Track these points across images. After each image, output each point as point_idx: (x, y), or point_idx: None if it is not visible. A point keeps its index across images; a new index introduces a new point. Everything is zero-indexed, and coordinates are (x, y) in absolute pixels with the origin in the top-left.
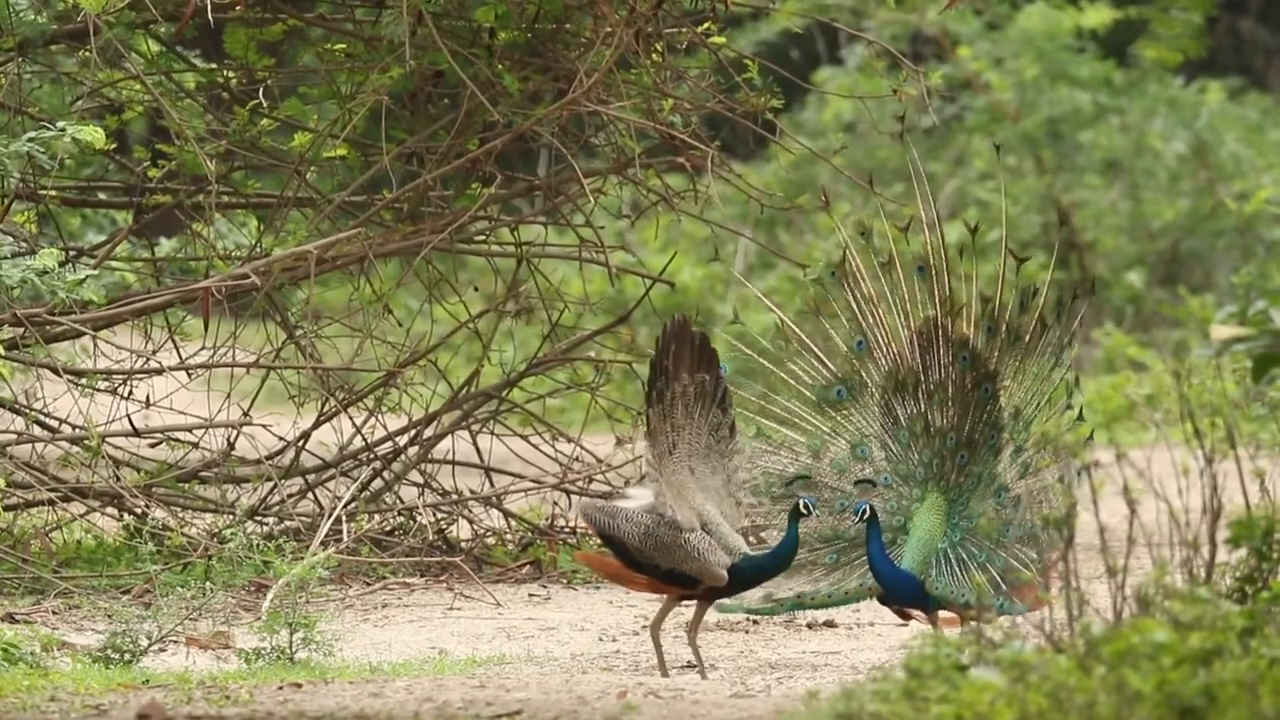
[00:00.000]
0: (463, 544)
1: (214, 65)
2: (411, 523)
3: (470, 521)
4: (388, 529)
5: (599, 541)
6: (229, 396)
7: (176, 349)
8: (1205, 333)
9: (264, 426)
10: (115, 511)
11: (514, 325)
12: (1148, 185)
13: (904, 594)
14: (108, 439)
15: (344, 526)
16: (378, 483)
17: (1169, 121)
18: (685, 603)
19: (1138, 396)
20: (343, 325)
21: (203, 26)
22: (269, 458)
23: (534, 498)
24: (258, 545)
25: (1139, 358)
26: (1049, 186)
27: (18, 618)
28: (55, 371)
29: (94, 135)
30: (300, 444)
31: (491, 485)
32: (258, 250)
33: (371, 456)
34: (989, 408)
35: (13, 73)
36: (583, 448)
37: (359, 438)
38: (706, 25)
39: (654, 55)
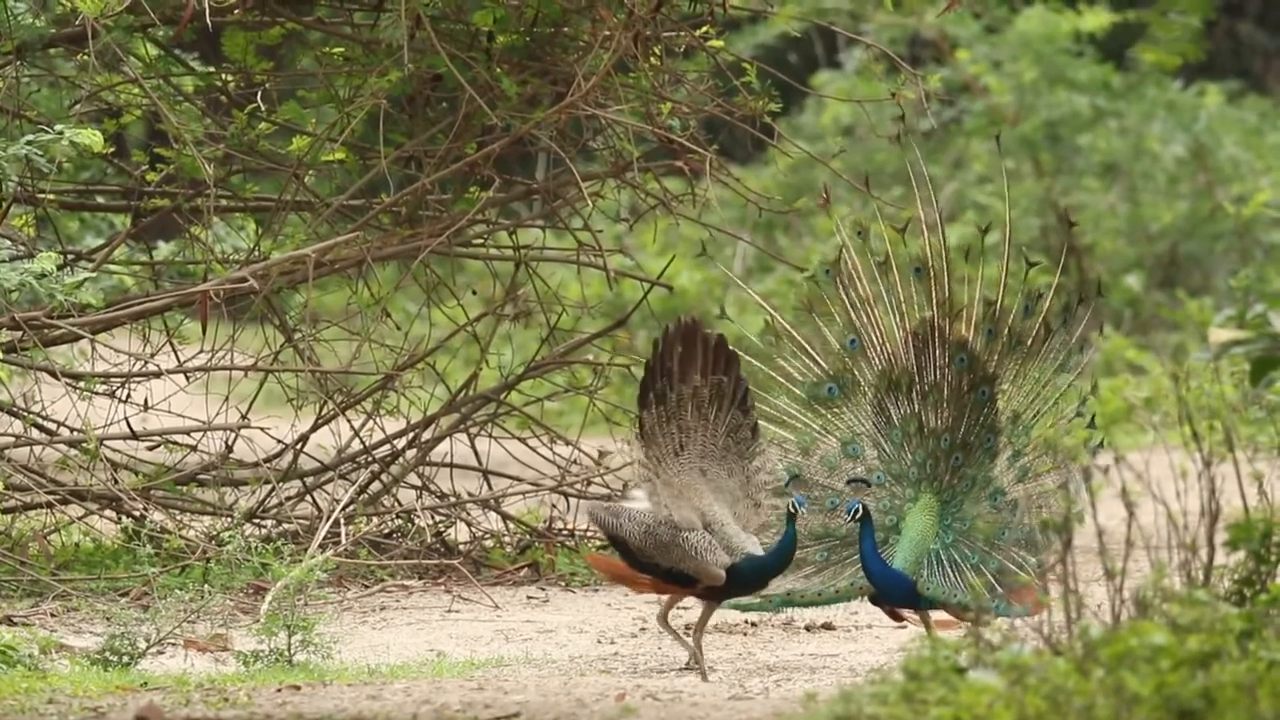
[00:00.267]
0: (461, 546)
1: (212, 69)
2: (410, 525)
3: (468, 524)
4: (386, 531)
5: (600, 543)
6: (227, 399)
7: (175, 352)
8: (1204, 336)
9: (262, 429)
10: (113, 514)
11: (512, 328)
12: (1146, 188)
13: (895, 594)
14: (106, 442)
15: (342, 529)
16: (376, 485)
17: (1167, 124)
18: (691, 601)
19: (1136, 399)
20: (341, 328)
21: (201, 30)
22: (267, 460)
23: (532, 500)
24: (256, 548)
25: (1137, 360)
26: (1047, 189)
27: (16, 620)
28: (53, 374)
29: (92, 139)
30: (298, 447)
31: (490, 488)
32: (256, 254)
33: (370, 459)
34: (986, 411)
35: (11, 76)
36: (581, 450)
37: (357, 440)
38: (705, 29)
39: (652, 59)
